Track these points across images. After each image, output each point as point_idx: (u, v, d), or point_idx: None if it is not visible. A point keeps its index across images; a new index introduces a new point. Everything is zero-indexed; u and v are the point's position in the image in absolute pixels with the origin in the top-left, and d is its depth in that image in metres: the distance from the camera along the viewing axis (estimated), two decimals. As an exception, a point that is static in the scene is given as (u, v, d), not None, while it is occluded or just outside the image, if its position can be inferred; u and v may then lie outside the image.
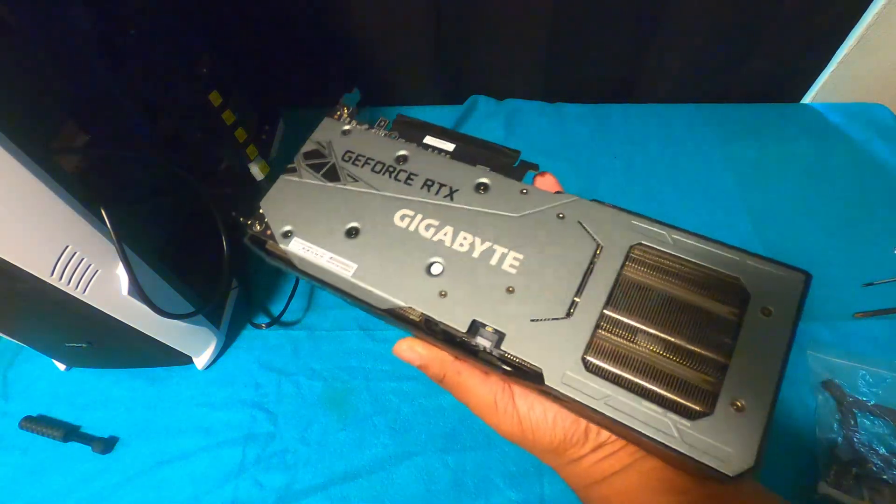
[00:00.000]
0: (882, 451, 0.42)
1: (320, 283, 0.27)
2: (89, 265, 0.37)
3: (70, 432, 0.49)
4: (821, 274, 0.58)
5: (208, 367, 0.53)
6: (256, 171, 0.53)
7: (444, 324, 0.24)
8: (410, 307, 0.24)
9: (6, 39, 0.31)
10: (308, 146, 0.32)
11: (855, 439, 0.43)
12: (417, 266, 0.25)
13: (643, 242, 0.24)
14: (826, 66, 0.69)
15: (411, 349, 0.27)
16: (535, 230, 0.25)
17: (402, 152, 0.30)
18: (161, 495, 0.46)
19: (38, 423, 0.50)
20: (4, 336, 0.47)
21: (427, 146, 0.30)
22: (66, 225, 0.34)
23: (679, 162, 0.67)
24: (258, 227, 0.29)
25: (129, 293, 0.39)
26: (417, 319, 0.24)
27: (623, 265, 0.23)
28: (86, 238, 0.36)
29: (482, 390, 0.26)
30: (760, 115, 0.72)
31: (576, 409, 0.22)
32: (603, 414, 0.20)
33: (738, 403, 0.19)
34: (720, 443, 0.19)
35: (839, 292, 0.54)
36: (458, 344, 0.24)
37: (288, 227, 0.28)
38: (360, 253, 0.26)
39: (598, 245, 0.24)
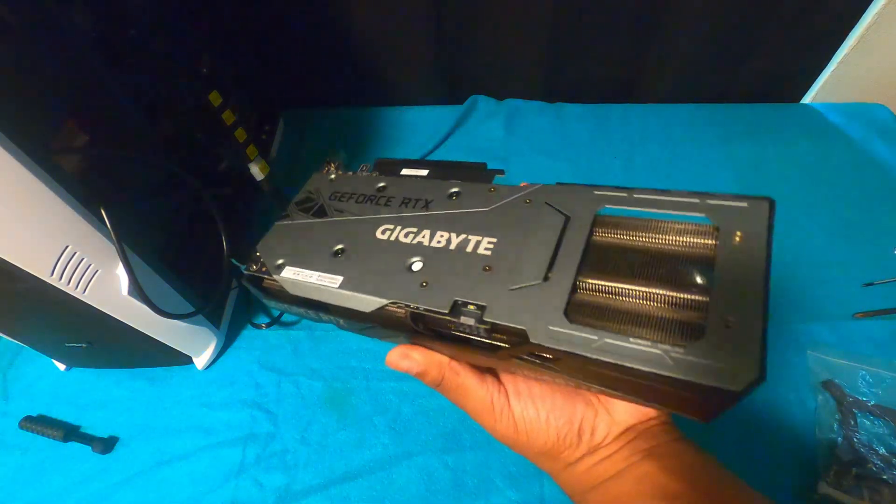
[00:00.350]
0: (882, 451, 0.42)
1: (314, 307, 0.29)
2: (89, 265, 0.37)
3: (70, 432, 0.49)
4: (821, 274, 0.59)
5: (208, 367, 0.53)
6: (256, 171, 0.53)
7: (427, 310, 0.24)
8: (393, 302, 0.25)
9: (6, 39, 0.31)
10: (300, 196, 0.35)
11: (855, 439, 0.43)
12: (399, 267, 0.27)
13: (608, 206, 0.25)
14: (826, 66, 0.69)
15: (406, 356, 0.27)
16: (506, 217, 0.27)
17: (382, 184, 0.33)
18: (161, 495, 0.46)
19: (38, 423, 0.50)
20: (4, 336, 0.47)
21: (404, 176, 0.33)
22: (66, 225, 0.34)
23: (679, 162, 0.67)
24: (254, 268, 0.31)
25: (129, 293, 0.39)
26: (403, 315, 0.25)
27: (591, 229, 0.24)
28: (86, 238, 0.36)
29: (479, 392, 0.26)
30: (760, 115, 0.72)
31: (565, 367, 0.22)
32: (591, 359, 0.20)
33: (729, 320, 0.19)
34: (719, 361, 0.18)
35: (839, 292, 0.54)
36: (450, 338, 0.25)
37: (280, 261, 0.30)
38: (345, 267, 0.28)
39: (566, 217, 0.25)
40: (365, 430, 0.48)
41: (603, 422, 0.26)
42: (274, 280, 0.30)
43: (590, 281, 0.23)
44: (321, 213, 0.33)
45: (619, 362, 0.19)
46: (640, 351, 0.19)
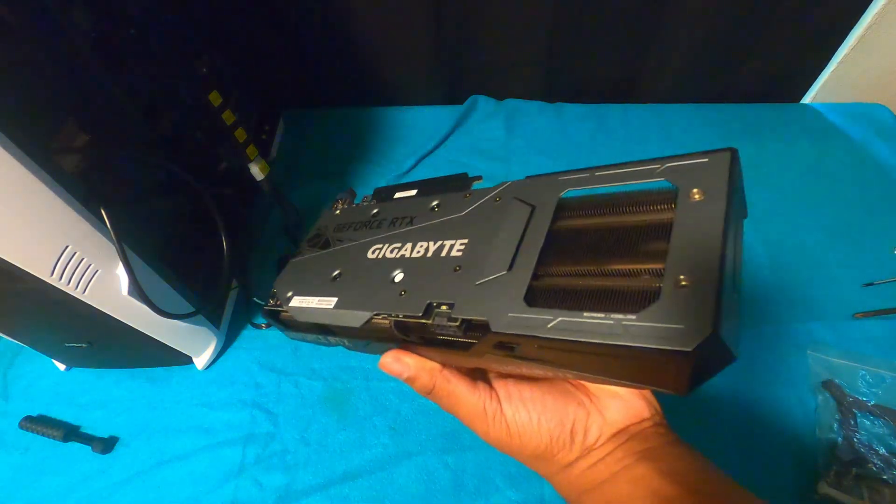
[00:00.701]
0: (882, 451, 0.42)
1: (322, 332, 0.31)
2: (89, 265, 0.37)
3: (70, 432, 0.49)
4: (821, 274, 0.59)
5: (208, 367, 0.53)
6: (256, 171, 0.53)
7: (405, 316, 0.25)
8: (376, 314, 0.27)
9: (6, 39, 0.31)
10: (310, 234, 0.38)
11: (855, 439, 0.43)
12: (383, 281, 0.28)
13: (571, 189, 0.25)
14: (826, 66, 0.69)
15: (398, 360, 0.27)
16: (478, 217, 0.28)
17: (376, 210, 0.35)
18: (161, 495, 0.46)
19: (38, 423, 0.50)
20: (4, 336, 0.47)
21: (396, 199, 0.35)
22: (66, 225, 0.34)
23: (679, 162, 0.67)
24: (272, 303, 0.34)
25: (129, 293, 0.39)
26: (388, 325, 0.26)
27: (555, 213, 0.25)
28: (86, 238, 0.36)
29: (472, 399, 0.26)
30: (760, 115, 0.72)
31: (531, 353, 0.21)
32: (547, 339, 0.20)
33: (682, 281, 0.18)
34: (670, 324, 0.17)
35: (839, 292, 0.54)
36: (436, 342, 0.25)
37: (290, 293, 0.33)
38: (340, 289, 0.30)
39: (532, 207, 0.25)
40: (365, 430, 0.48)
41: (595, 423, 0.25)
42: (287, 311, 0.32)
43: (552, 267, 0.23)
44: (326, 245, 0.35)
45: (571, 338, 0.19)
46: (593, 325, 0.19)
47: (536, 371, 0.24)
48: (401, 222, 0.32)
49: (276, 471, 0.47)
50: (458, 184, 0.32)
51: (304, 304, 0.31)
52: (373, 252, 0.31)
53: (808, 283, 0.55)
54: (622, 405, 0.26)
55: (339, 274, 0.31)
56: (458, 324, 0.23)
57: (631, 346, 0.17)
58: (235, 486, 0.46)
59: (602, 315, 0.19)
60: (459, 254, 0.26)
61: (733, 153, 0.20)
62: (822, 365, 0.48)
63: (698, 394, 0.48)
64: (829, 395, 0.46)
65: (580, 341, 0.19)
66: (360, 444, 0.47)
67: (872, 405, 0.45)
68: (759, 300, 0.54)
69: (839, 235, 0.58)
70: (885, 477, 0.41)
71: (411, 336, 0.26)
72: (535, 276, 0.22)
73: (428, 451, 0.47)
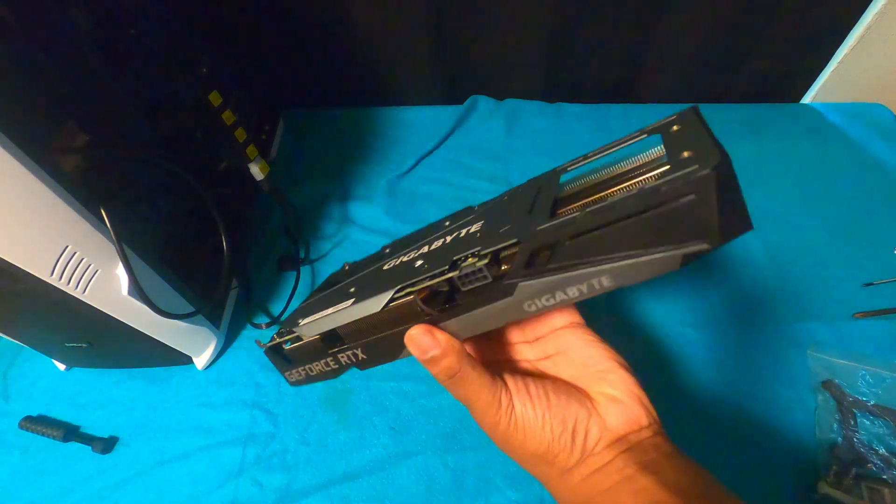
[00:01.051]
0: (882, 451, 0.42)
1: (333, 353, 0.31)
2: (89, 265, 0.37)
3: (70, 432, 0.49)
4: (821, 274, 0.59)
5: (208, 367, 0.53)
6: (256, 171, 0.53)
7: (431, 276, 0.26)
8: (400, 287, 0.27)
9: (6, 39, 0.31)
10: (320, 286, 0.41)
11: (855, 439, 0.43)
12: (405, 270, 0.29)
13: (571, 169, 0.30)
14: (826, 66, 0.69)
15: (430, 332, 0.26)
16: (490, 209, 0.31)
17: (388, 249, 0.38)
18: (161, 495, 0.46)
19: (38, 423, 0.50)
20: (4, 336, 0.47)
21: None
22: (66, 225, 0.34)
23: (679, 162, 0.67)
24: (276, 338, 0.34)
25: (129, 293, 0.39)
26: (412, 298, 0.26)
27: (559, 184, 0.29)
28: (86, 238, 0.36)
29: (491, 388, 0.26)
30: (760, 115, 0.72)
31: (568, 254, 0.22)
32: (582, 220, 0.22)
33: (685, 153, 0.21)
34: (684, 172, 0.20)
35: (839, 292, 0.54)
36: (462, 305, 0.26)
37: (299, 319, 0.33)
38: (356, 293, 0.31)
39: (539, 187, 0.30)
40: (365, 430, 0.48)
41: (596, 425, 0.26)
42: (293, 344, 0.32)
43: (564, 199, 0.27)
44: (335, 284, 0.37)
45: (601, 207, 0.22)
46: (619, 199, 0.22)
47: (571, 293, 0.23)
48: (413, 243, 0.34)
49: (276, 471, 0.47)
50: (464, 213, 0.35)
51: (316, 318, 0.31)
52: (387, 265, 0.32)
53: (808, 283, 0.55)
54: (621, 410, 0.26)
55: (355, 289, 0.32)
56: (487, 261, 0.24)
57: (657, 196, 0.20)
58: (235, 486, 0.46)
59: (624, 191, 0.22)
60: (478, 229, 0.29)
61: (695, 107, 0.25)
62: (822, 365, 0.48)
63: (698, 394, 0.48)
64: (829, 395, 0.46)
65: (612, 211, 0.21)
66: (360, 444, 0.47)
67: (872, 405, 0.45)
68: (759, 300, 0.54)
69: (839, 235, 0.58)
70: (885, 477, 0.41)
71: (436, 308, 0.26)
72: (553, 211, 0.25)
73: (428, 452, 0.47)
